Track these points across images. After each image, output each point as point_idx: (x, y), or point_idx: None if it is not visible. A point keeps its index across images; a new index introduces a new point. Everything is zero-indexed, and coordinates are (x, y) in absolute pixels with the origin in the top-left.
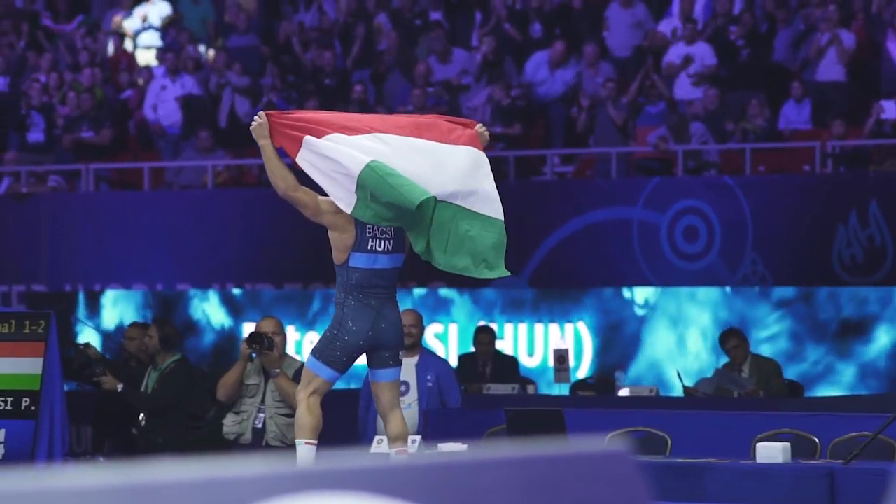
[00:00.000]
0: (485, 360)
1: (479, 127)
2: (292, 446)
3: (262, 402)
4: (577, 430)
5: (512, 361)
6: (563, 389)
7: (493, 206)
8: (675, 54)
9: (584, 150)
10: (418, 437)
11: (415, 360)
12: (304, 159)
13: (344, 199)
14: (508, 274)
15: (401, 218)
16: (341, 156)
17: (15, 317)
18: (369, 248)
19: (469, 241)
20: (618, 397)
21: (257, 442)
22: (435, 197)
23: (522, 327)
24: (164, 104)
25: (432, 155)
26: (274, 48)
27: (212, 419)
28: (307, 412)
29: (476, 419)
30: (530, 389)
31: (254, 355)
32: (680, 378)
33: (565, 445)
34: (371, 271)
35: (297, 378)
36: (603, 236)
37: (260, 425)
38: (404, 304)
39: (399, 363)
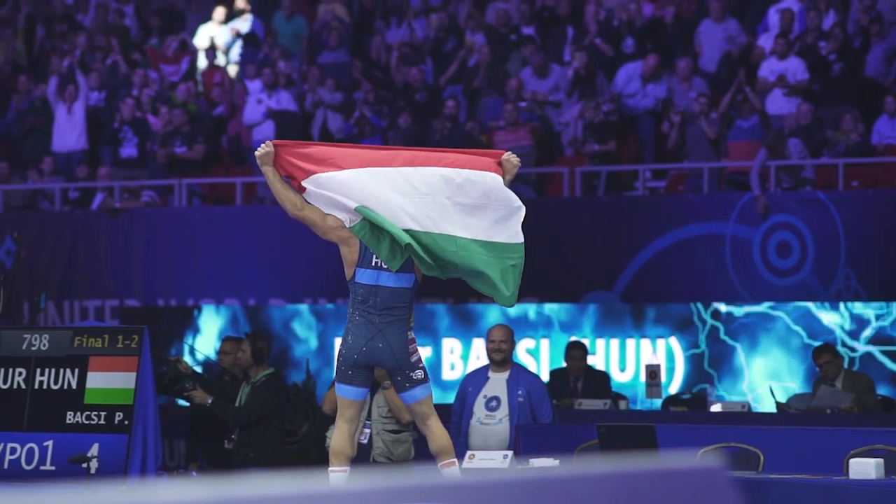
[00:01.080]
0: (576, 375)
1: (507, 154)
2: (398, 462)
3: (368, 416)
4: (668, 445)
5: (604, 377)
6: (654, 405)
7: (505, 233)
8: (767, 69)
9: (675, 165)
10: (510, 453)
11: (506, 375)
12: (307, 191)
13: (346, 216)
14: (513, 304)
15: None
16: (332, 200)
17: (108, 331)
18: (373, 263)
19: (477, 264)
20: (710, 413)
21: (363, 457)
22: (421, 234)
23: (614, 342)
24: (257, 119)
25: (427, 187)
26: (365, 64)
27: (304, 434)
28: (334, 438)
29: (568, 434)
30: (622, 405)
31: None
32: (772, 394)
33: (658, 461)
34: (375, 288)
35: None
36: (695, 251)
37: (366, 441)
38: (498, 320)
39: (415, 383)
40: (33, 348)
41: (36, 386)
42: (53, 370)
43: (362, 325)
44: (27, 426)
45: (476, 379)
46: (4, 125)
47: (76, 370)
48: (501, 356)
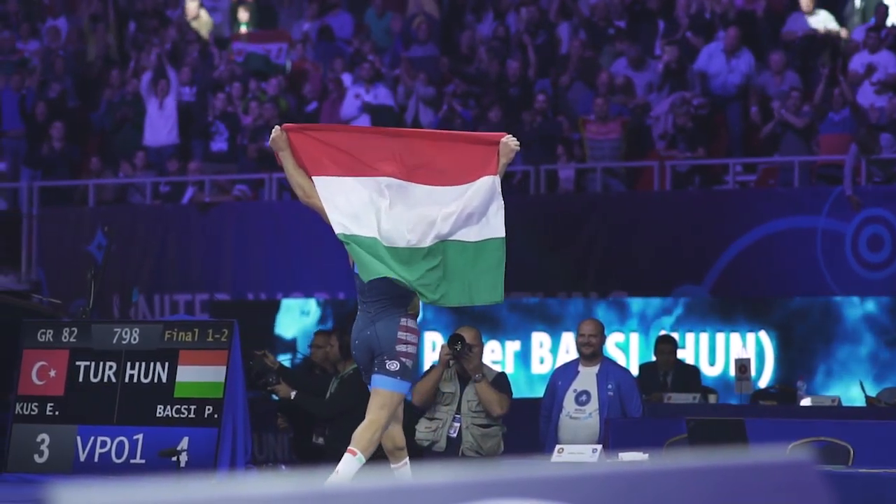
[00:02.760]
0: (666, 369)
1: (506, 138)
2: (488, 456)
3: (458, 410)
4: (758, 439)
5: (693, 371)
6: (744, 399)
7: (487, 231)
8: (858, 62)
9: (766, 160)
10: (599, 447)
11: (595, 369)
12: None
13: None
14: (501, 301)
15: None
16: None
17: (198, 325)
18: None
19: (461, 271)
20: (799, 407)
21: (452, 451)
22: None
23: (704, 336)
24: (353, 113)
25: (423, 205)
26: (455, 58)
27: None
28: (384, 437)
29: (657, 428)
30: (711, 399)
31: (451, 362)
32: (862, 388)
33: (747, 455)
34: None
35: (495, 385)
36: (786, 245)
37: (454, 434)
38: (587, 314)
39: (385, 371)
40: (124, 342)
41: (126, 379)
42: (144, 364)
43: (360, 318)
44: (117, 419)
45: (566, 373)
46: (96, 119)
47: (166, 364)
48: (591, 350)
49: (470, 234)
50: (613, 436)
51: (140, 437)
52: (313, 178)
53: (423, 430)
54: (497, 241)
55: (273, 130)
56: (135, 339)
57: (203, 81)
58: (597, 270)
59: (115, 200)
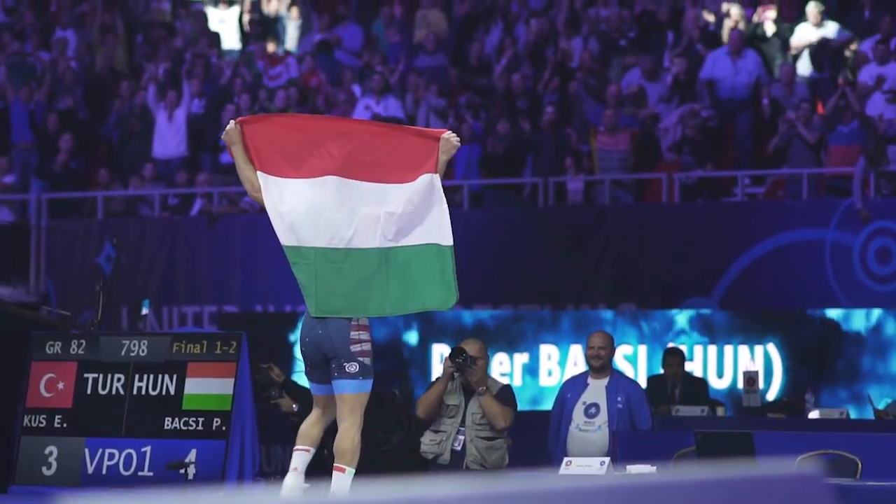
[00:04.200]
0: (674, 381)
1: (447, 134)
2: (492, 469)
3: (462, 423)
4: (766, 452)
5: (701, 383)
6: (752, 412)
7: (435, 234)
8: (867, 74)
9: (774, 172)
10: (607, 459)
11: (605, 381)
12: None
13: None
14: (449, 308)
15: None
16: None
17: (207, 337)
18: None
19: (409, 276)
20: (807, 420)
21: (456, 464)
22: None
23: (712, 349)
24: None
25: (368, 203)
26: (464, 69)
27: (398, 443)
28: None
29: (665, 441)
30: (719, 411)
31: (456, 375)
32: (870, 401)
33: (755, 468)
34: None
35: (499, 398)
36: (794, 257)
37: (459, 447)
38: (597, 326)
39: (346, 374)
40: (132, 354)
41: (134, 392)
42: (152, 376)
43: (308, 317)
44: (125, 432)
45: (575, 385)
46: (105, 131)
47: (174, 376)
48: (601, 363)
49: (411, 238)
50: (621, 448)
51: (148, 449)
52: (259, 173)
53: (427, 442)
54: (440, 248)
55: (228, 124)
56: (143, 351)
57: (212, 93)
58: (605, 282)
59: (123, 212)
